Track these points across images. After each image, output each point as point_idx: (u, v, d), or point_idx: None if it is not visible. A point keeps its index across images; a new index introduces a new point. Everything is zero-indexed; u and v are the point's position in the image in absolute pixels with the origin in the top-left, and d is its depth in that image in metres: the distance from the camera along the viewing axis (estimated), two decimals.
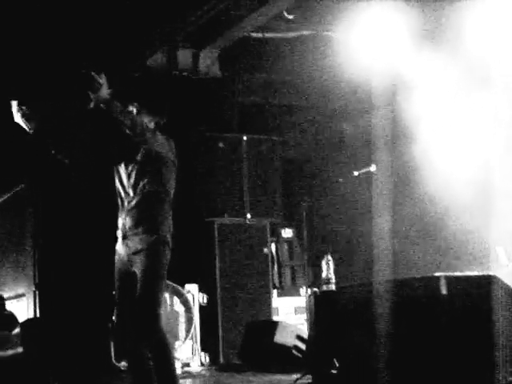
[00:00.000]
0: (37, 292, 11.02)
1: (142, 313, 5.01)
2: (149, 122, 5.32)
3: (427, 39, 8.24)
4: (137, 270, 5.11)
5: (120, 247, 5.26)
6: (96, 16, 8.30)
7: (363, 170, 7.95)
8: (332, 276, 6.52)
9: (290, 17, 8.60)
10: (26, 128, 5.17)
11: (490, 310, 4.96)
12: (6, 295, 11.78)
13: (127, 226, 5.21)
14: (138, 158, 5.21)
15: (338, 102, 10.00)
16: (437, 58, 8.23)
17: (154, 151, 5.22)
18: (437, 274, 5.05)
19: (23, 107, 5.15)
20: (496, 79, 7.72)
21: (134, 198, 5.23)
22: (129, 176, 5.27)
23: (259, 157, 9.27)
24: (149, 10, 8.36)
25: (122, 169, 5.32)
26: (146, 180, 5.22)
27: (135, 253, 5.14)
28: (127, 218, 5.22)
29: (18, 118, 5.17)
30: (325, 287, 6.57)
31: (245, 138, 9.22)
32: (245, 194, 9.09)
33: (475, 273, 5.30)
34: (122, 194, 5.30)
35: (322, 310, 6.08)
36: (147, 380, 5.08)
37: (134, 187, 5.24)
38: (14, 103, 5.14)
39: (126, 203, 5.26)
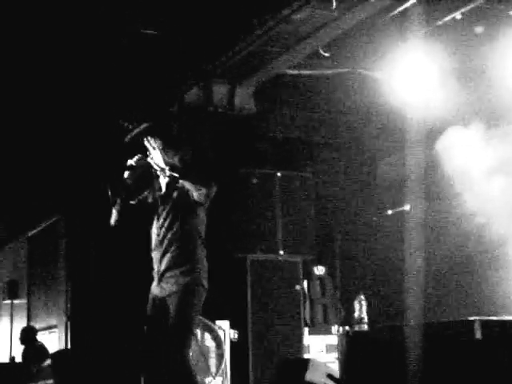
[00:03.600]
0: (68, 323, 11.07)
1: (170, 353, 5.02)
2: (171, 157, 5.35)
3: (459, 78, 8.26)
4: (170, 309, 5.13)
5: (155, 288, 5.28)
6: (133, 52, 8.41)
7: (397, 209, 7.91)
8: (365, 316, 6.48)
9: (326, 54, 8.63)
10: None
11: None
12: (38, 326, 11.86)
13: (162, 268, 5.23)
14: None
15: (372, 140, 10.00)
16: (467, 95, 8.26)
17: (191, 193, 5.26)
18: (471, 318, 4.99)
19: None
20: None
21: (168, 240, 5.25)
22: (165, 218, 5.31)
23: (292, 193, 9.26)
24: (186, 46, 8.45)
25: (159, 210, 5.37)
26: (180, 222, 5.25)
27: (170, 294, 5.16)
28: (162, 260, 5.24)
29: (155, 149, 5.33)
30: (357, 327, 6.53)
31: (278, 174, 9.23)
32: (277, 231, 9.08)
33: (510, 317, 5.23)
34: (157, 235, 5.33)
35: (353, 350, 6.02)
36: None
37: (169, 229, 5.27)
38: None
39: (160, 245, 5.29)
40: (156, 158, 5.33)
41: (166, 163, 5.30)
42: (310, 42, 8.32)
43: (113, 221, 5.38)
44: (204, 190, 5.16)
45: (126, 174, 5.36)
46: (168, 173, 5.31)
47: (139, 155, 5.42)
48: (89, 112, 9.65)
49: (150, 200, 5.49)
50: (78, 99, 9.41)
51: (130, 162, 5.38)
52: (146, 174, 5.45)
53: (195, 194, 5.18)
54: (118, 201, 5.31)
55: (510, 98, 7.79)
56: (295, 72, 9.19)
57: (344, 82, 9.32)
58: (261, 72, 9.12)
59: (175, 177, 5.25)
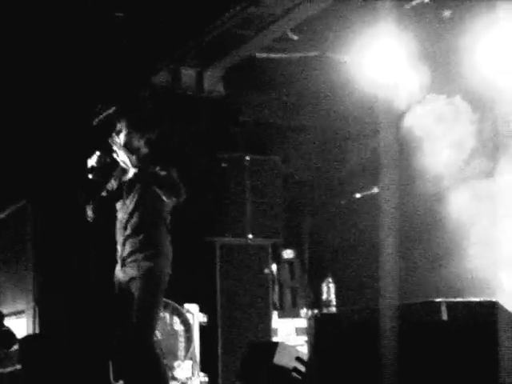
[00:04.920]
0: (36, 308, 11.00)
1: (135, 339, 5.02)
2: (138, 139, 5.33)
3: (428, 62, 8.30)
4: (134, 295, 5.12)
5: (119, 272, 5.27)
6: (102, 35, 8.33)
7: (366, 193, 7.92)
8: (333, 298, 6.50)
9: (295, 38, 8.62)
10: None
11: (492, 336, 4.92)
12: (5, 311, 11.75)
13: (125, 252, 5.22)
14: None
15: (342, 124, 10.00)
16: (436, 78, 8.30)
17: None
18: (438, 300, 5.02)
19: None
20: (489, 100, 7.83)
21: (133, 224, 5.24)
22: (130, 202, 5.30)
23: (262, 177, 9.24)
24: (154, 29, 8.39)
25: (126, 194, 5.36)
26: (145, 207, 5.24)
27: (132, 279, 5.15)
28: (126, 244, 5.23)
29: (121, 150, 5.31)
30: (325, 309, 6.55)
31: (247, 157, 9.20)
32: (246, 214, 9.06)
33: (477, 299, 5.26)
34: (122, 220, 5.31)
35: (322, 332, 6.04)
36: None
37: (134, 214, 5.26)
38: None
39: (124, 229, 5.27)
40: (122, 156, 5.32)
41: (133, 165, 5.31)
42: (280, 25, 8.30)
43: (90, 218, 5.39)
44: (173, 198, 5.18)
45: (90, 175, 5.35)
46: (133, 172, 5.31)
47: (98, 154, 5.39)
48: (57, 95, 9.55)
49: (115, 186, 5.49)
50: (46, 83, 9.31)
51: (91, 163, 5.36)
52: (109, 166, 5.44)
53: (163, 198, 5.19)
54: (90, 200, 5.33)
55: (479, 80, 7.83)
56: (264, 55, 9.17)
57: (314, 65, 9.30)
58: (230, 55, 9.09)
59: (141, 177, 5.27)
